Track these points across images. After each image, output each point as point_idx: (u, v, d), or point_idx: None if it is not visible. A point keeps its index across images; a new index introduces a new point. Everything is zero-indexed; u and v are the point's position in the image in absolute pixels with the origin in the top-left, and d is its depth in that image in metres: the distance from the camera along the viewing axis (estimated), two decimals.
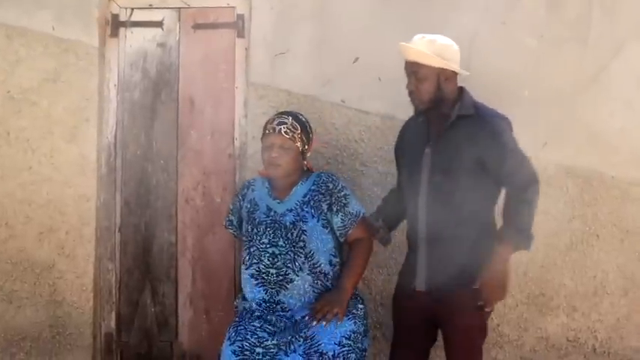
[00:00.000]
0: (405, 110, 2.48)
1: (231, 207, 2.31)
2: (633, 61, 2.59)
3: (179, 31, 2.75)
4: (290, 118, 2.18)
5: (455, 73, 2.11)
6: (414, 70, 2.06)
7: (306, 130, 2.20)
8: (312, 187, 2.17)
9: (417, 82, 2.06)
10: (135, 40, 2.79)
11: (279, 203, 2.18)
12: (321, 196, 2.16)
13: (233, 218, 2.29)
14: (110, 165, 2.79)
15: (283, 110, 2.32)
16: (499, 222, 2.13)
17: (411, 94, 2.09)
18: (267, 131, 2.15)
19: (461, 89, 2.14)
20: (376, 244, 2.36)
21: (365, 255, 2.19)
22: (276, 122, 2.16)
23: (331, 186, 2.17)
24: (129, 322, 2.80)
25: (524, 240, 2.04)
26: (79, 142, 2.75)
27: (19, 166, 2.77)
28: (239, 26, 2.69)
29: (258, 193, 2.23)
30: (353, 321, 2.12)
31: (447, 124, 2.09)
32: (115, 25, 2.79)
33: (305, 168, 2.23)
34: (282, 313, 2.12)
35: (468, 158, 2.04)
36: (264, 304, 2.13)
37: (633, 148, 2.60)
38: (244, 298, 2.22)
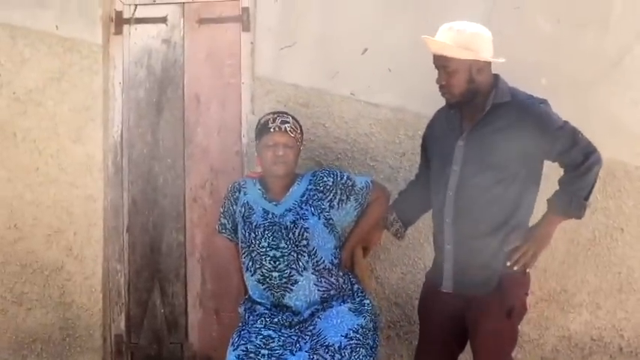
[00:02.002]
0: (417, 102, 2.47)
1: (223, 210, 2.23)
2: None
3: (183, 27, 2.71)
4: (289, 117, 2.16)
5: (488, 62, 1.98)
6: (442, 63, 1.94)
7: (302, 131, 2.19)
8: (310, 187, 2.12)
9: (447, 75, 1.94)
10: (139, 37, 2.75)
11: (275, 205, 2.12)
12: (320, 194, 2.10)
13: (226, 222, 2.23)
14: (117, 164, 2.77)
15: (276, 111, 2.26)
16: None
17: (441, 88, 1.98)
18: (271, 130, 2.09)
19: (496, 77, 2.02)
20: (389, 237, 2.28)
21: (378, 210, 2.17)
22: (279, 121, 2.11)
23: (331, 181, 2.11)
24: (138, 324, 2.77)
25: (577, 207, 1.93)
26: (85, 142, 2.73)
27: (26, 168, 2.76)
28: (244, 20, 2.64)
29: (251, 196, 2.16)
30: (362, 315, 2.07)
31: (482, 113, 1.97)
32: (119, 23, 2.75)
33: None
34: (289, 315, 2.06)
35: (509, 149, 1.92)
36: (273, 309, 2.08)
37: None
38: (250, 302, 2.15)
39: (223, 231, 2.25)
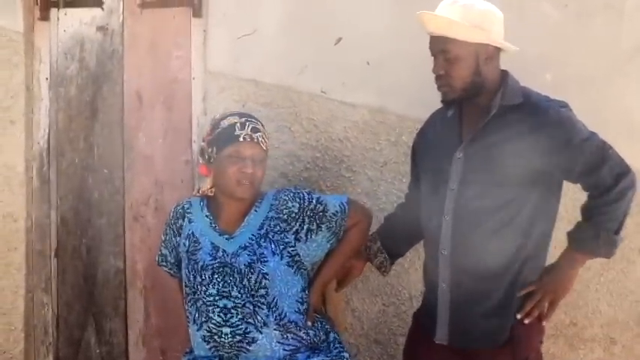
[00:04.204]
0: (401, 102, 2.20)
1: (164, 239, 1.85)
2: None
3: (123, 12, 2.41)
4: (258, 122, 1.75)
5: (498, 50, 1.64)
6: (442, 47, 1.59)
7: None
8: (270, 214, 1.72)
9: (448, 63, 1.59)
10: (70, 23, 2.46)
11: (227, 239, 1.71)
12: (283, 224, 1.71)
13: (167, 253, 1.84)
14: (42, 176, 2.49)
15: (240, 111, 1.86)
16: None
17: (438, 79, 1.62)
18: (240, 138, 1.68)
19: (504, 72, 1.69)
20: (370, 268, 1.95)
21: (357, 239, 1.80)
22: (250, 127, 1.70)
23: (296, 207, 1.73)
24: None
25: (606, 243, 1.60)
26: (3, 150, 2.47)
27: None
28: (195, 3, 2.34)
29: (197, 225, 1.76)
30: None
31: (487, 118, 1.62)
32: (45, 6, 2.46)
33: None
34: None
35: (519, 165, 1.57)
36: None
37: None
38: (194, 357, 1.76)
39: (164, 263, 1.87)
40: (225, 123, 1.71)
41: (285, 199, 1.73)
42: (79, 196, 2.47)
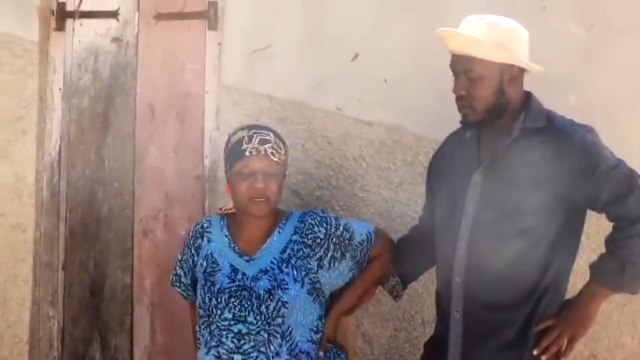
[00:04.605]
0: (418, 120, 2.13)
1: (181, 258, 1.78)
2: None
3: (138, 23, 2.41)
4: (271, 133, 1.66)
5: (522, 71, 1.58)
6: (465, 67, 1.53)
7: (287, 149, 1.71)
8: (294, 237, 1.65)
9: (470, 83, 1.53)
10: (84, 34, 2.47)
11: (247, 261, 1.65)
12: (307, 249, 1.64)
13: (182, 274, 1.78)
14: (52, 188, 2.48)
15: (252, 124, 1.81)
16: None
17: (459, 100, 1.56)
18: (246, 153, 1.61)
19: (527, 94, 1.62)
20: (382, 291, 1.88)
21: (380, 271, 1.75)
22: (257, 139, 1.62)
23: (322, 232, 1.65)
24: None
25: (631, 278, 1.52)
26: (14, 160, 2.45)
27: None
28: (211, 16, 2.32)
29: (216, 245, 1.70)
30: None
31: (508, 141, 1.55)
32: (61, 16, 2.47)
33: None
34: None
35: (541, 191, 1.50)
36: None
37: None
38: None
39: (177, 284, 1.80)
40: (234, 138, 1.66)
41: (311, 223, 1.65)
42: (88, 208, 2.46)
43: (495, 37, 1.51)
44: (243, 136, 1.64)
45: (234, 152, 1.63)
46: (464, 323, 1.57)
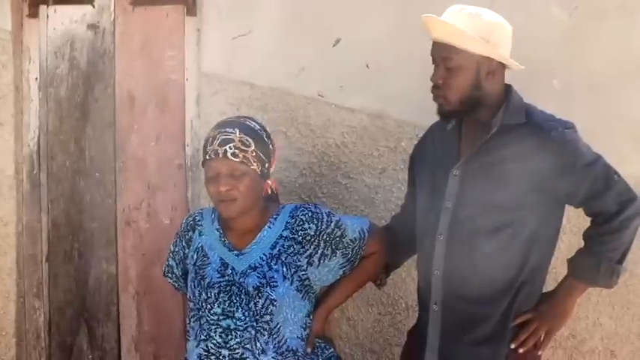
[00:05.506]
0: (401, 106, 2.12)
1: (173, 250, 1.77)
2: None
3: (114, 9, 2.33)
4: (237, 130, 1.58)
5: (502, 66, 1.55)
6: (444, 55, 1.51)
7: (262, 142, 1.63)
8: (285, 233, 1.63)
9: (447, 73, 1.51)
10: (59, 21, 2.37)
11: (237, 256, 1.63)
12: (297, 246, 1.61)
13: (174, 265, 1.76)
14: (33, 180, 2.42)
15: (222, 121, 1.74)
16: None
17: (435, 89, 1.54)
18: (207, 156, 1.58)
19: (507, 88, 1.60)
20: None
21: (372, 270, 1.73)
22: (218, 141, 1.56)
23: (313, 229, 1.62)
24: None
25: (607, 273, 1.54)
26: None
27: None
28: (189, 2, 2.26)
29: (207, 238, 1.68)
30: None
31: (487, 136, 1.54)
32: (34, 3, 2.37)
33: (270, 191, 1.68)
34: None
35: (519, 186, 1.50)
36: None
37: None
38: None
39: (169, 275, 1.79)
40: (205, 138, 1.62)
41: (302, 219, 1.62)
42: (70, 199, 2.41)
43: (476, 29, 1.49)
44: (209, 137, 1.60)
45: (203, 154, 1.61)
46: (442, 316, 1.58)
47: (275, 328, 1.58)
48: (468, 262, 1.54)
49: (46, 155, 2.40)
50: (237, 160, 1.56)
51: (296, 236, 1.61)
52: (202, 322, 1.61)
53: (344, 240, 1.64)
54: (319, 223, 1.62)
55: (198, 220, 1.70)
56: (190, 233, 1.70)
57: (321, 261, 1.62)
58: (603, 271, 1.53)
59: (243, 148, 1.57)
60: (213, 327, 1.59)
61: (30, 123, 2.39)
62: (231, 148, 1.55)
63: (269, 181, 1.66)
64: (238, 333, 1.57)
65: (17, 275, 2.39)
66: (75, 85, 2.37)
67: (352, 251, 1.66)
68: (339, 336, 2.16)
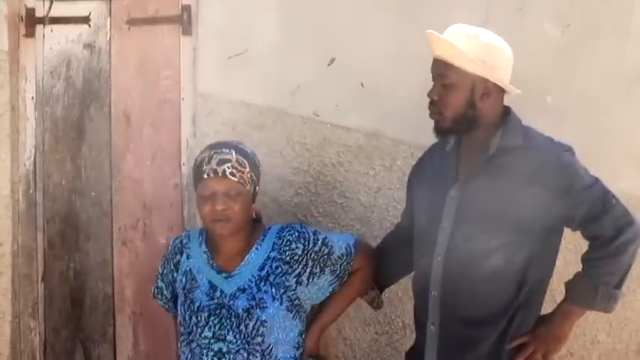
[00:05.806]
0: (397, 125, 2.12)
1: (161, 271, 1.77)
2: None
3: (110, 29, 2.35)
4: (233, 151, 1.60)
5: (499, 88, 1.56)
6: (441, 71, 1.54)
7: (254, 164, 1.65)
8: (272, 254, 1.63)
9: (443, 89, 1.53)
10: (56, 40, 2.39)
11: (226, 278, 1.63)
12: (285, 266, 1.62)
13: (164, 287, 1.77)
14: (29, 199, 2.42)
15: (216, 142, 1.76)
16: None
17: (431, 105, 1.56)
18: (204, 175, 1.59)
19: (506, 110, 1.61)
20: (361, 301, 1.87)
21: (360, 285, 1.72)
22: (215, 161, 1.58)
23: (300, 249, 1.63)
24: None
25: (605, 298, 1.53)
26: None
27: None
28: (184, 20, 2.27)
29: (195, 261, 1.68)
30: None
31: (484, 158, 1.55)
32: (31, 23, 2.39)
33: (254, 215, 1.68)
34: None
35: (517, 208, 1.51)
36: None
37: None
38: None
39: (159, 296, 1.79)
40: (198, 159, 1.62)
41: (289, 240, 1.63)
42: (66, 219, 2.41)
43: (473, 49, 1.50)
44: (204, 157, 1.60)
45: (196, 174, 1.61)
46: (439, 336, 1.57)
47: (267, 349, 1.58)
48: (465, 283, 1.53)
49: (42, 174, 2.40)
50: (234, 179, 1.57)
51: (284, 257, 1.61)
52: (193, 347, 1.61)
53: (332, 257, 1.64)
54: (306, 243, 1.63)
55: (186, 243, 1.70)
56: (178, 256, 1.70)
57: (310, 280, 1.63)
58: (600, 296, 1.53)
59: (240, 168, 1.59)
60: (205, 351, 1.59)
61: (26, 142, 2.40)
62: (229, 168, 1.57)
63: (254, 205, 1.67)
64: (230, 356, 1.57)
65: (12, 295, 2.39)
66: (71, 105, 2.38)
67: (340, 267, 1.66)
68: (336, 356, 2.15)
